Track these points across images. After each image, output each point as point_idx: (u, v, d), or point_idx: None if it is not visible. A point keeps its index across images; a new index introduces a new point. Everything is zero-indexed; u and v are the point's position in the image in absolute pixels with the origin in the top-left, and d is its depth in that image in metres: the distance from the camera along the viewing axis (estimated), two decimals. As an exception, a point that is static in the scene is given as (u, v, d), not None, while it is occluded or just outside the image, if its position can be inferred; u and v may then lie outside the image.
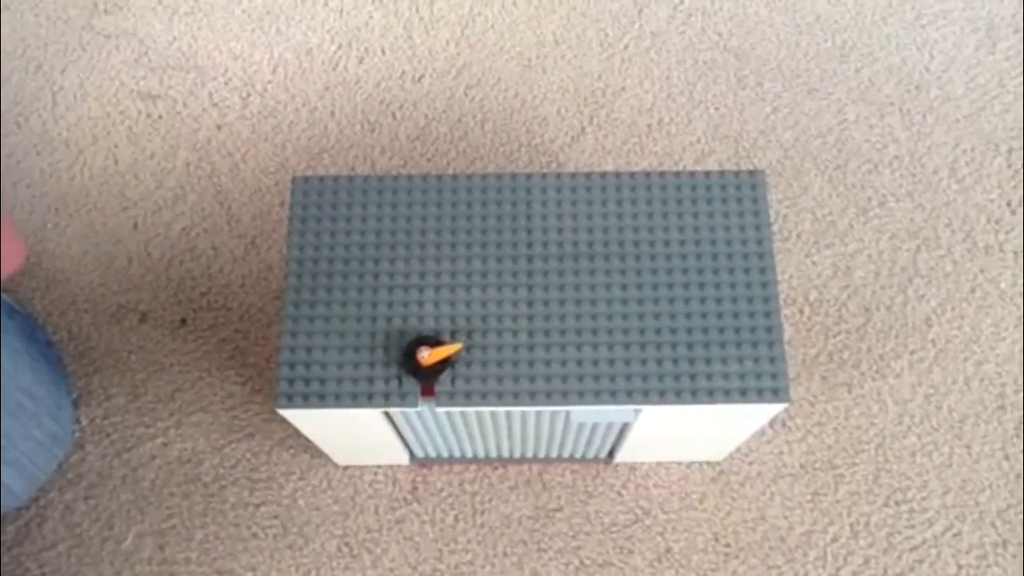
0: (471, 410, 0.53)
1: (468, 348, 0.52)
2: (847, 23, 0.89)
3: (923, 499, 0.71)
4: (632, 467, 0.72)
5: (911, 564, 0.69)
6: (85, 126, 0.85)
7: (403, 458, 0.69)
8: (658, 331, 0.52)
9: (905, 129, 0.84)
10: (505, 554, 0.69)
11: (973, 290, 0.77)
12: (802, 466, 0.72)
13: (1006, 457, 0.72)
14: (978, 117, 0.84)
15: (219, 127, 0.84)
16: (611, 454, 0.70)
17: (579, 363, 0.52)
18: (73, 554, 0.70)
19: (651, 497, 0.71)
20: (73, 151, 0.84)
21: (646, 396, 0.51)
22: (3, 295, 0.69)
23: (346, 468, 0.72)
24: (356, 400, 0.51)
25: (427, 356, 0.50)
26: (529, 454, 0.69)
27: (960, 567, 0.69)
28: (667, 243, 0.55)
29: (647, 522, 0.70)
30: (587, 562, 0.69)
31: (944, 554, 0.69)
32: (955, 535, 0.70)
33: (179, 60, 0.88)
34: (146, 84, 0.86)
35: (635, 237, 0.55)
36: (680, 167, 0.82)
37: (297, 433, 0.73)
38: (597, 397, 0.51)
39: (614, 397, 0.51)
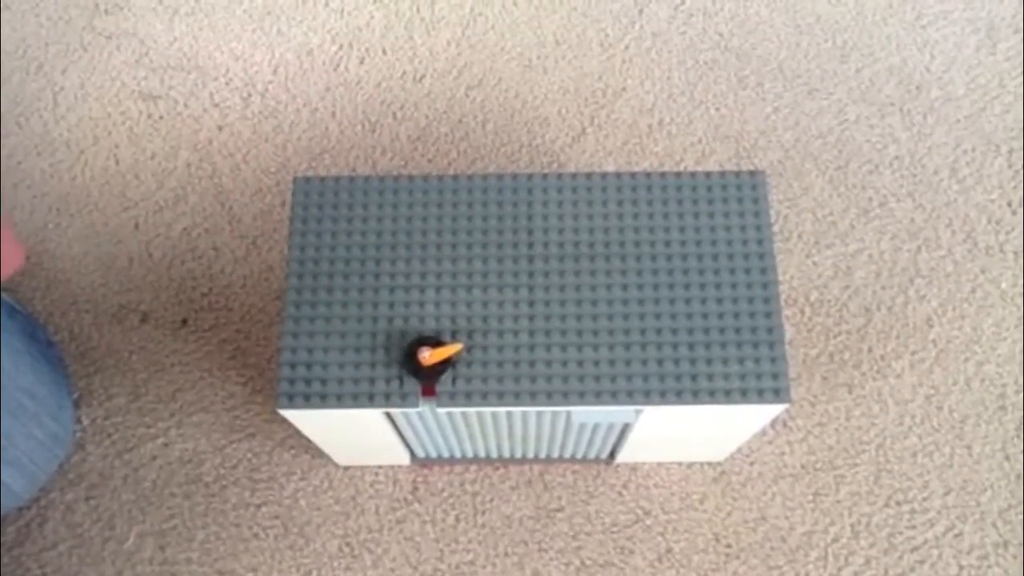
0: (472, 410, 0.53)
1: (469, 348, 0.52)
2: (848, 23, 0.89)
3: (924, 499, 0.71)
4: (633, 467, 0.72)
5: (912, 564, 0.69)
6: (86, 126, 0.85)
7: (404, 458, 0.69)
8: (659, 331, 0.52)
9: (906, 129, 0.84)
10: (506, 554, 0.69)
11: (974, 290, 0.77)
12: (803, 466, 0.72)
13: (1007, 457, 0.72)
14: (979, 117, 0.84)
15: (220, 127, 0.84)
16: (612, 454, 0.70)
17: (580, 363, 0.52)
18: (74, 554, 0.70)
19: (652, 497, 0.71)
20: (74, 151, 0.84)
21: (647, 396, 0.51)
22: (4, 295, 0.69)
23: (347, 468, 0.72)
24: (357, 400, 0.51)
25: (428, 356, 0.50)
26: (530, 454, 0.69)
27: (961, 567, 0.69)
28: (668, 243, 0.55)
29: (648, 522, 0.70)
30: (588, 562, 0.69)
31: (945, 554, 0.69)
32: (956, 535, 0.70)
33: (180, 60, 0.88)
34: (147, 84, 0.87)
35: (636, 237, 0.55)
36: (681, 167, 0.82)
37: (298, 433, 0.73)
38: (598, 397, 0.51)
39: (615, 397, 0.51)
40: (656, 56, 0.88)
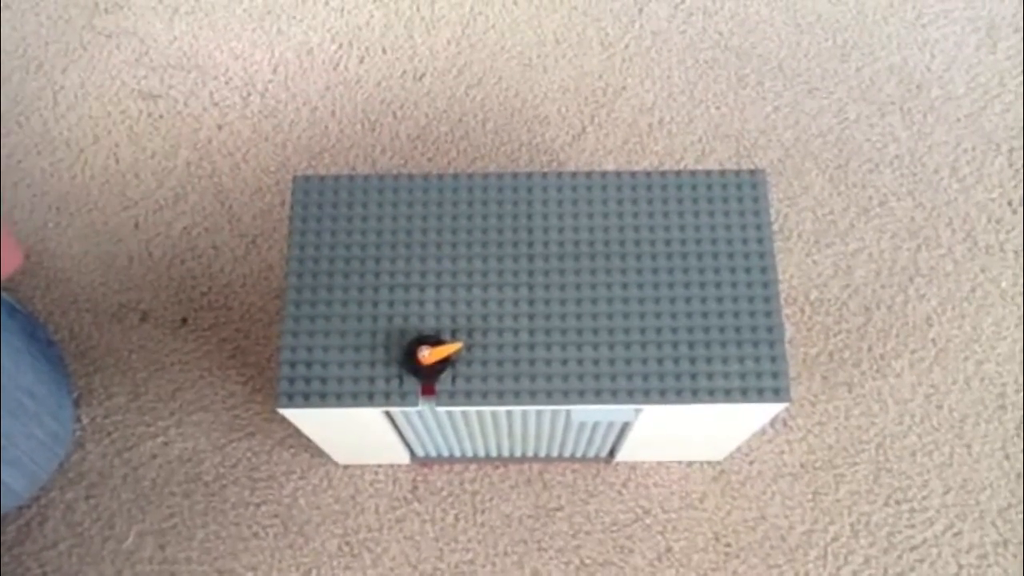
0: (472, 409, 0.53)
1: (468, 347, 0.52)
2: (848, 22, 0.89)
3: (923, 498, 0.71)
4: (632, 466, 0.72)
5: (911, 563, 0.69)
6: (86, 125, 0.85)
7: (403, 457, 0.69)
8: (659, 330, 0.52)
9: (906, 128, 0.84)
10: (505, 553, 0.69)
11: (974, 289, 0.77)
12: (802, 465, 0.72)
13: (1006, 456, 0.72)
14: (979, 116, 0.84)
15: (220, 126, 0.84)
16: (612, 453, 0.70)
17: (580, 362, 0.52)
18: (74, 553, 0.70)
19: (651, 496, 0.71)
20: (74, 150, 0.84)
21: (647, 395, 0.51)
22: (4, 294, 0.69)
23: (346, 467, 0.72)
24: (357, 399, 0.51)
25: (427, 355, 0.50)
26: (530, 453, 0.69)
27: (961, 566, 0.69)
28: (668, 242, 0.55)
29: (647, 521, 0.70)
30: (587, 561, 0.69)
31: (944, 553, 0.69)
32: (956, 534, 0.70)
33: (180, 59, 0.88)
34: (147, 83, 0.87)
35: (636, 236, 0.55)
36: (681, 166, 0.82)
37: (298, 432, 0.73)
38: (598, 396, 0.51)
39: (615, 396, 0.51)
40: (656, 55, 0.87)
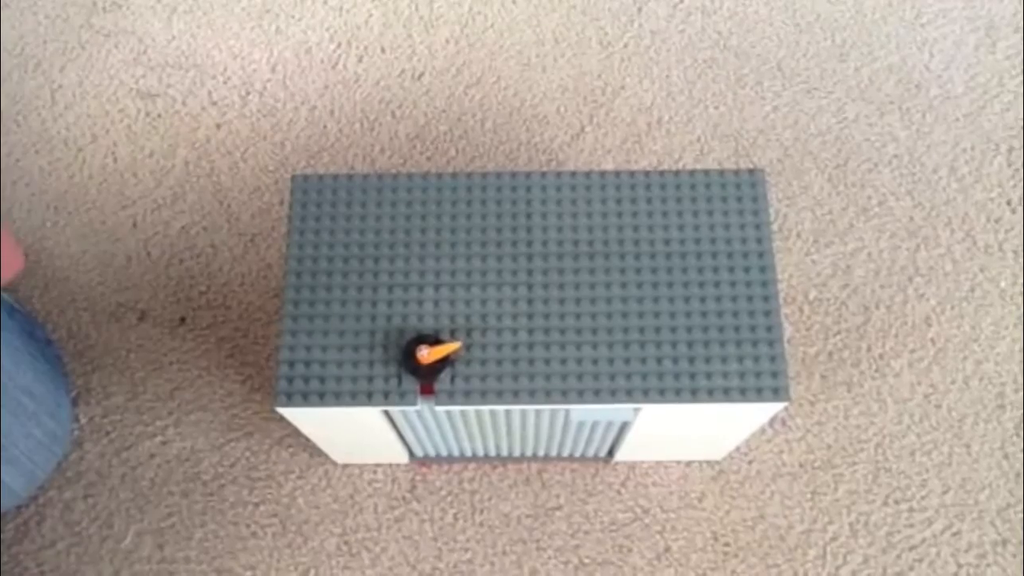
0: (470, 409, 0.53)
1: (467, 347, 0.52)
2: (847, 22, 0.89)
3: (922, 498, 0.71)
4: (631, 466, 0.72)
5: (910, 563, 0.69)
6: (84, 124, 0.85)
7: (402, 457, 0.69)
8: (658, 330, 0.52)
9: (905, 128, 0.84)
10: (504, 552, 0.69)
11: (973, 289, 0.77)
12: (801, 465, 0.72)
13: (1005, 456, 0.72)
14: (978, 116, 0.84)
15: (218, 125, 0.84)
16: (611, 453, 0.70)
17: (578, 362, 0.52)
18: (72, 552, 0.70)
19: (650, 496, 0.71)
20: (72, 150, 0.83)
21: (646, 395, 0.51)
22: (3, 294, 0.69)
23: (345, 467, 0.72)
24: (355, 399, 0.51)
25: (426, 355, 0.50)
26: (528, 453, 0.69)
27: (959, 566, 0.69)
28: (667, 242, 0.55)
29: (646, 521, 0.70)
30: (586, 561, 0.69)
31: (943, 553, 0.69)
32: (954, 534, 0.70)
33: (178, 59, 0.87)
34: (145, 82, 0.86)
35: (635, 236, 0.55)
36: (680, 166, 0.82)
37: (296, 432, 0.73)
38: (597, 396, 0.51)
39: (614, 396, 0.51)
40: (655, 55, 0.87)
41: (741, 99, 0.85)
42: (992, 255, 0.78)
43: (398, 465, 0.72)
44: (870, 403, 0.73)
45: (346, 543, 0.70)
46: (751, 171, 0.56)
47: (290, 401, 0.52)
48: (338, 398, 0.51)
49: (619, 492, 0.71)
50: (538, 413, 0.56)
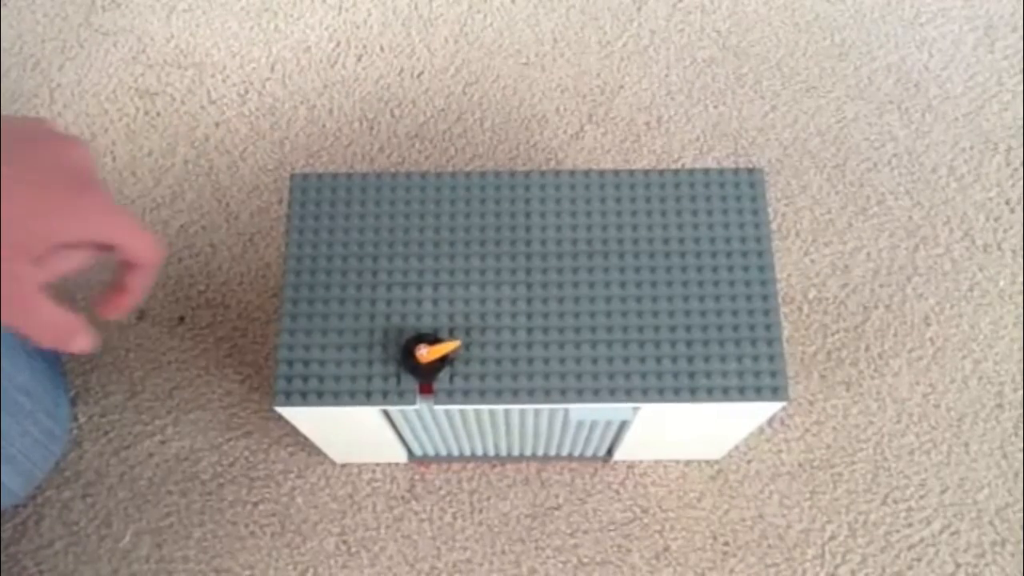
0: (470, 408, 0.53)
1: (467, 346, 0.52)
2: (846, 21, 0.89)
3: (921, 497, 0.71)
4: (630, 465, 0.72)
5: (909, 562, 0.69)
6: (83, 123, 0.84)
7: (401, 456, 0.69)
8: (657, 329, 0.52)
9: (904, 127, 0.84)
10: (503, 552, 0.69)
11: (972, 288, 0.77)
12: (800, 464, 0.72)
13: (1004, 456, 0.72)
14: (977, 115, 0.84)
15: (217, 124, 0.84)
16: (610, 452, 0.70)
17: (578, 361, 0.52)
18: (70, 552, 0.70)
19: (649, 495, 0.71)
20: (71, 148, 0.83)
21: (645, 394, 0.51)
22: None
23: (344, 466, 0.72)
24: (354, 398, 0.51)
25: (426, 354, 0.50)
26: (527, 452, 0.69)
27: (958, 565, 0.69)
28: (666, 241, 0.55)
29: (645, 520, 0.70)
30: (585, 560, 0.69)
31: (942, 552, 0.69)
32: (953, 533, 0.70)
33: (177, 57, 0.87)
34: (144, 81, 0.86)
35: (634, 235, 0.55)
36: (679, 165, 0.82)
37: (295, 431, 0.73)
38: (596, 395, 0.51)
39: (613, 395, 0.51)
40: (654, 54, 0.87)
41: (740, 98, 0.85)
42: (991, 254, 0.78)
43: (397, 464, 0.72)
44: (869, 402, 0.73)
45: (345, 542, 0.70)
46: (750, 170, 0.56)
47: (289, 400, 0.52)
48: (337, 397, 0.51)
49: (618, 492, 0.71)
50: (537, 412, 0.56)
